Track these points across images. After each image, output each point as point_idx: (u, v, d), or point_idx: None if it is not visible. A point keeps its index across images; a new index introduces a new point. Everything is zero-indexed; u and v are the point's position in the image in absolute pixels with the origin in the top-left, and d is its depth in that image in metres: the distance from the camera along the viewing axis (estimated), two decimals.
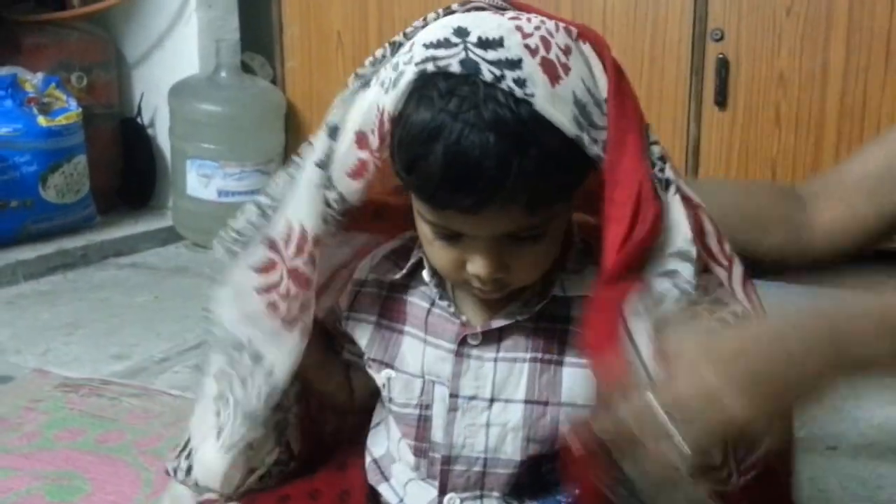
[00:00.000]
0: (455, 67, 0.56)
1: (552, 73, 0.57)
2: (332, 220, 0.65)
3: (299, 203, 0.66)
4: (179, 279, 1.73)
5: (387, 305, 0.71)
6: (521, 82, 0.55)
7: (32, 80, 1.84)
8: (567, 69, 0.57)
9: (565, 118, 0.56)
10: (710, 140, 1.65)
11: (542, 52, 0.57)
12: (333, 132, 0.64)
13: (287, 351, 0.69)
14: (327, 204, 0.65)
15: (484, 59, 0.56)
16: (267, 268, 0.68)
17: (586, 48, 0.60)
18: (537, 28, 0.58)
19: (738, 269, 0.64)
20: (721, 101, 1.62)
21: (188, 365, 1.26)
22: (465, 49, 0.56)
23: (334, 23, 1.93)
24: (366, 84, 0.64)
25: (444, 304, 0.68)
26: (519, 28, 0.58)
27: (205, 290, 1.71)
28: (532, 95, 0.55)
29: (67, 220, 1.86)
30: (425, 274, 0.69)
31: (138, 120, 2.15)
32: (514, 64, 0.56)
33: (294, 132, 2.02)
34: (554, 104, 0.56)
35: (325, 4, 1.93)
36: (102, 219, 1.98)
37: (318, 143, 0.65)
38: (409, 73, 0.58)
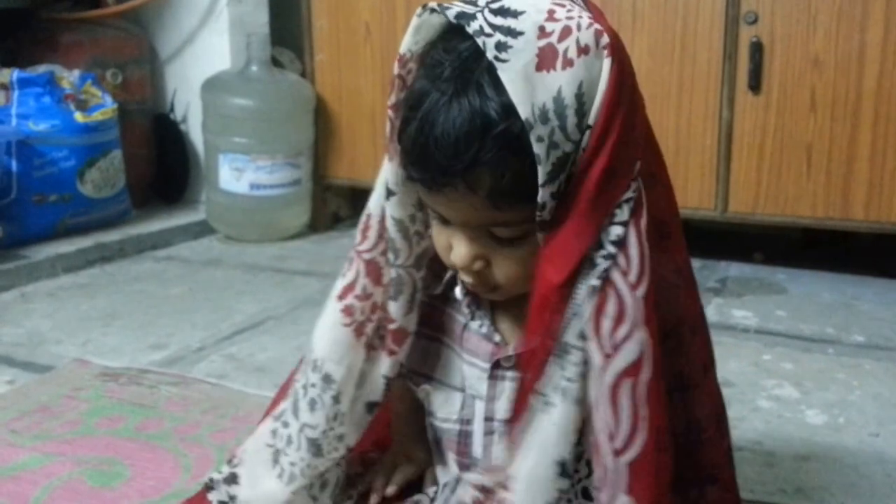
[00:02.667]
0: (451, 13, 0.55)
1: (546, 59, 0.53)
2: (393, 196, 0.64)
3: (376, 191, 0.67)
4: (213, 271, 1.75)
5: (426, 312, 0.69)
6: (503, 47, 0.52)
7: (69, 77, 1.87)
8: (568, 65, 0.53)
9: (527, 101, 0.52)
10: (744, 125, 1.62)
11: (552, 39, 0.53)
12: None
13: (349, 365, 0.66)
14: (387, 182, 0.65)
15: (486, 19, 0.54)
16: (346, 270, 0.67)
17: (606, 63, 0.55)
18: (570, 19, 0.54)
19: (611, 367, 0.57)
20: (755, 85, 1.59)
21: (223, 354, 1.28)
22: (480, 9, 0.55)
23: (362, 15, 1.93)
24: None
25: (477, 323, 0.66)
26: (551, 12, 0.55)
27: (237, 282, 1.73)
28: (505, 62, 0.52)
29: (104, 215, 1.90)
30: (457, 290, 0.67)
31: (171, 115, 2.18)
32: (512, 33, 0.53)
33: (323, 125, 2.03)
34: (524, 82, 0.52)
35: None
36: (137, 213, 2.01)
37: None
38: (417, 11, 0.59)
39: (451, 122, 0.54)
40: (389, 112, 0.61)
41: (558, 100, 0.53)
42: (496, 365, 0.65)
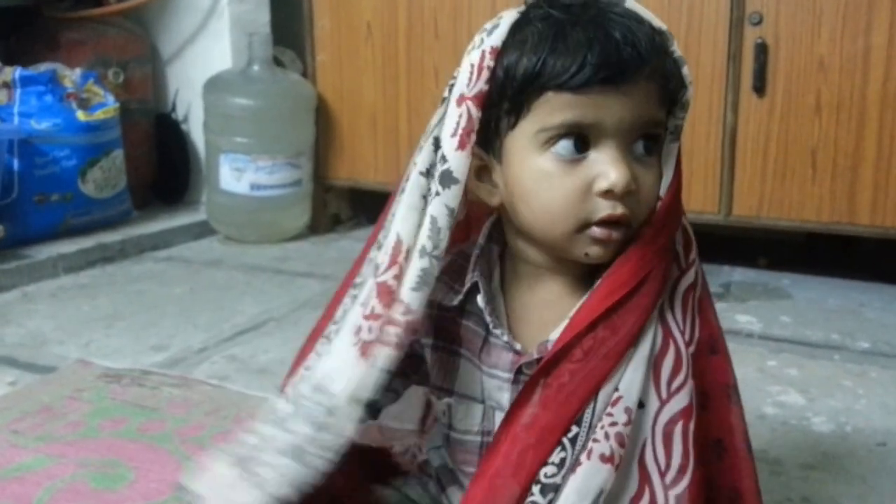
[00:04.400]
0: None
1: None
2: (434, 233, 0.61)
3: (403, 215, 0.63)
4: (213, 272, 1.75)
5: (440, 326, 0.68)
6: None
7: (71, 76, 1.86)
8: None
9: (655, 22, 0.61)
10: (748, 128, 1.61)
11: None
12: (437, 141, 0.62)
13: (349, 377, 0.61)
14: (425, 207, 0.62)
15: None
16: (359, 293, 0.64)
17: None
18: None
19: (686, 279, 0.64)
20: (759, 87, 1.58)
21: (225, 355, 1.27)
22: None
23: (364, 15, 1.92)
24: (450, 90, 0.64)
25: (498, 332, 0.65)
26: None
27: (238, 283, 1.72)
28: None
29: (105, 215, 1.89)
30: (480, 300, 0.65)
31: (172, 115, 2.17)
32: None
33: (324, 125, 2.02)
34: (645, 13, 0.60)
35: None
36: (138, 213, 2.01)
37: (421, 155, 0.63)
38: (511, 12, 0.61)
39: (622, 14, 0.58)
40: (469, 104, 0.60)
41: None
42: (518, 371, 0.64)
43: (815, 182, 1.58)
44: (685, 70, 0.61)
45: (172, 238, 1.95)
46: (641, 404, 0.59)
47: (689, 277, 0.64)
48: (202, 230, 2.02)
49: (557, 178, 0.59)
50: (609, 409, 0.58)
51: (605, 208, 0.58)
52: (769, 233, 1.80)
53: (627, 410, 0.58)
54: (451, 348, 0.68)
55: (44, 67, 1.84)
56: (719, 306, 1.50)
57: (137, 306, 1.51)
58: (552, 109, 0.58)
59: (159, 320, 1.43)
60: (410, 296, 0.62)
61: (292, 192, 1.98)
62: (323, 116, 2.02)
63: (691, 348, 0.62)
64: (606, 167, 0.58)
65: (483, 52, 0.60)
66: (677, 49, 0.60)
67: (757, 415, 1.08)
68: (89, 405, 1.06)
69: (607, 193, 0.58)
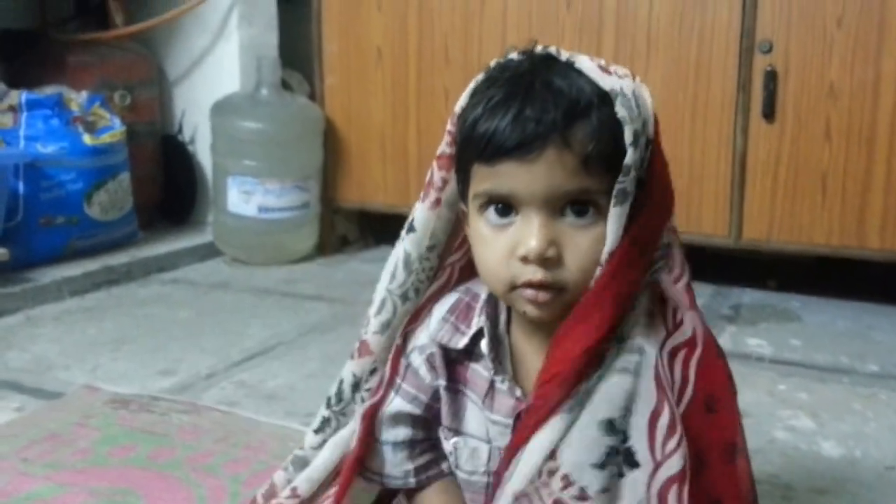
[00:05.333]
0: (513, 54, 0.64)
1: (604, 69, 0.61)
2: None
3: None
4: (220, 294, 1.74)
5: (450, 366, 0.69)
6: (570, 59, 0.62)
7: (77, 99, 1.86)
8: (621, 77, 0.61)
9: (605, 83, 0.60)
10: (758, 153, 1.61)
11: (601, 64, 0.62)
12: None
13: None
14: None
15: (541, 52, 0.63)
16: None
17: (647, 93, 0.63)
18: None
19: (675, 339, 0.64)
20: (769, 113, 1.59)
21: (234, 381, 1.26)
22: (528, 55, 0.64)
23: (374, 39, 1.93)
24: None
25: (499, 378, 0.66)
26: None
27: (246, 306, 1.70)
28: (575, 60, 0.61)
29: (111, 237, 1.89)
30: (484, 345, 0.67)
31: (179, 137, 2.17)
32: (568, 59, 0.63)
33: (332, 148, 2.02)
34: (597, 72, 0.60)
35: (365, 20, 1.93)
36: (144, 235, 2.00)
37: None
38: (477, 77, 0.64)
39: (547, 84, 0.59)
40: (434, 163, 0.67)
41: (624, 89, 0.60)
42: (518, 417, 0.65)
43: (824, 206, 1.59)
44: (627, 132, 0.59)
45: (178, 260, 1.95)
46: (637, 464, 0.59)
47: (680, 336, 0.62)
48: (208, 252, 2.02)
49: (489, 241, 0.63)
50: (544, 479, 0.59)
51: (527, 273, 0.61)
52: (778, 254, 1.80)
53: (564, 478, 0.59)
54: (459, 388, 0.69)
55: (50, 91, 1.84)
56: (729, 329, 1.51)
57: (144, 330, 1.50)
58: (478, 179, 0.62)
59: (166, 344, 1.42)
60: (372, 339, 0.72)
61: (300, 215, 1.98)
62: (331, 139, 2.02)
63: (680, 408, 0.61)
64: (525, 234, 0.60)
65: (452, 114, 0.65)
66: (622, 110, 0.59)
67: (767, 439, 1.07)
68: (98, 432, 1.05)
69: (525, 259, 0.60)
